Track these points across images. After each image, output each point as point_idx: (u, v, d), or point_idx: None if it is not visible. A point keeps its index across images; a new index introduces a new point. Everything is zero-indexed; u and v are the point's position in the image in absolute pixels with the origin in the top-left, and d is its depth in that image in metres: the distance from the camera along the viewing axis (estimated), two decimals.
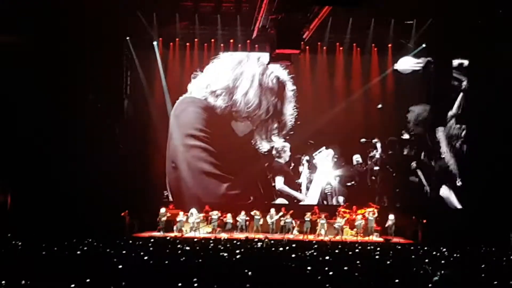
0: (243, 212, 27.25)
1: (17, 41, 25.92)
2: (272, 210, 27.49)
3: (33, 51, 26.06)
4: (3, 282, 10.88)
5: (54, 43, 26.24)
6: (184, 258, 14.69)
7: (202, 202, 28.43)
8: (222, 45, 29.59)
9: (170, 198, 29.43)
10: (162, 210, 27.07)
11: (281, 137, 29.88)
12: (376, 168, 30.00)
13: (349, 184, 30.08)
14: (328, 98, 30.39)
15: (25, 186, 26.12)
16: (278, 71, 29.74)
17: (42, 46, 26.17)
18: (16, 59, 25.61)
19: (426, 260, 15.17)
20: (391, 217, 26.73)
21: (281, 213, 27.48)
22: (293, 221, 27.14)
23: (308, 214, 27.09)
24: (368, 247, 19.70)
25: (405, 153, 30.06)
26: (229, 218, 27.19)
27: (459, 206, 28.92)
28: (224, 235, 25.23)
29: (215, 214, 27.22)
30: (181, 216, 27.02)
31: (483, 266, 14.60)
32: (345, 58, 30.10)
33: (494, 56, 26.78)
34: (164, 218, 26.92)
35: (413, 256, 16.86)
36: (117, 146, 28.15)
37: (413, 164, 29.73)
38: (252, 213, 27.27)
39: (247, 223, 27.32)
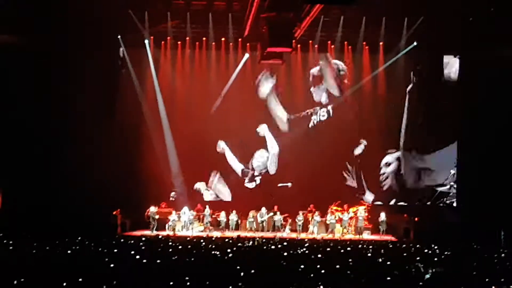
0: (234, 212, 27.25)
1: (13, 41, 26.02)
2: (263, 209, 27.47)
3: (26, 50, 26.08)
4: None
5: (46, 42, 26.22)
6: (176, 257, 14.69)
7: None
8: (213, 43, 29.59)
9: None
10: (152, 209, 26.99)
11: None
12: None
13: None
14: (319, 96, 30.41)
15: (16, 185, 26.04)
16: None
17: (34, 45, 26.17)
18: (9, 59, 25.67)
19: (418, 258, 15.21)
20: (382, 215, 26.76)
21: (272, 213, 27.44)
22: (283, 219, 27.12)
23: (301, 213, 27.07)
24: (360, 245, 19.76)
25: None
26: (222, 216, 27.17)
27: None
28: (216, 234, 25.24)
29: (207, 213, 27.23)
30: (173, 215, 27.01)
31: (474, 263, 14.65)
32: (337, 56, 30.09)
33: (486, 54, 26.88)
34: (155, 217, 26.83)
35: (405, 254, 16.91)
36: (109, 145, 27.99)
37: None
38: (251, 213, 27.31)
39: (239, 221, 27.32)
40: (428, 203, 29.31)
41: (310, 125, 30.09)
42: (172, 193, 29.40)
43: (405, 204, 29.20)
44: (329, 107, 30.02)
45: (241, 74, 30.11)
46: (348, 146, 29.73)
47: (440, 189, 29.63)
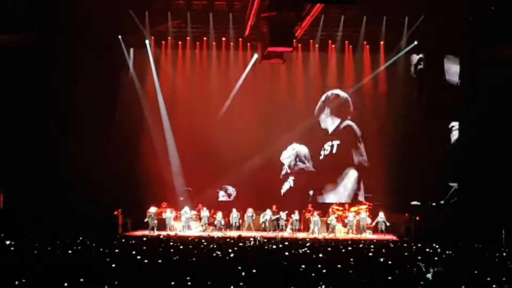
0: (234, 210, 27.23)
1: (13, 41, 26.03)
2: (268, 210, 27.42)
3: (26, 50, 26.09)
4: None
5: (46, 42, 26.22)
6: (177, 256, 14.69)
7: None
8: (214, 43, 29.58)
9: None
10: (152, 209, 26.95)
11: None
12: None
13: None
14: (320, 95, 30.44)
15: (17, 185, 26.03)
16: None
17: (34, 44, 26.18)
18: (9, 59, 25.68)
19: (419, 257, 15.20)
20: (381, 214, 26.70)
21: (271, 213, 27.38)
22: (285, 219, 27.08)
23: (296, 212, 27.01)
24: (361, 245, 19.74)
25: None
26: (219, 217, 27.09)
27: None
28: (217, 234, 25.20)
29: (207, 213, 27.20)
30: (168, 213, 27.02)
31: (475, 262, 14.65)
32: (337, 55, 30.09)
33: (486, 54, 26.87)
34: (155, 217, 26.81)
35: (406, 254, 16.91)
36: (109, 145, 27.98)
37: None
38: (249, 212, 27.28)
39: (240, 221, 27.29)
40: (442, 202, 29.20)
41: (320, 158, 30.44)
42: (181, 197, 29.47)
43: (418, 203, 28.98)
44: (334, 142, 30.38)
45: (241, 74, 30.16)
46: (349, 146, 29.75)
47: (455, 185, 29.54)
